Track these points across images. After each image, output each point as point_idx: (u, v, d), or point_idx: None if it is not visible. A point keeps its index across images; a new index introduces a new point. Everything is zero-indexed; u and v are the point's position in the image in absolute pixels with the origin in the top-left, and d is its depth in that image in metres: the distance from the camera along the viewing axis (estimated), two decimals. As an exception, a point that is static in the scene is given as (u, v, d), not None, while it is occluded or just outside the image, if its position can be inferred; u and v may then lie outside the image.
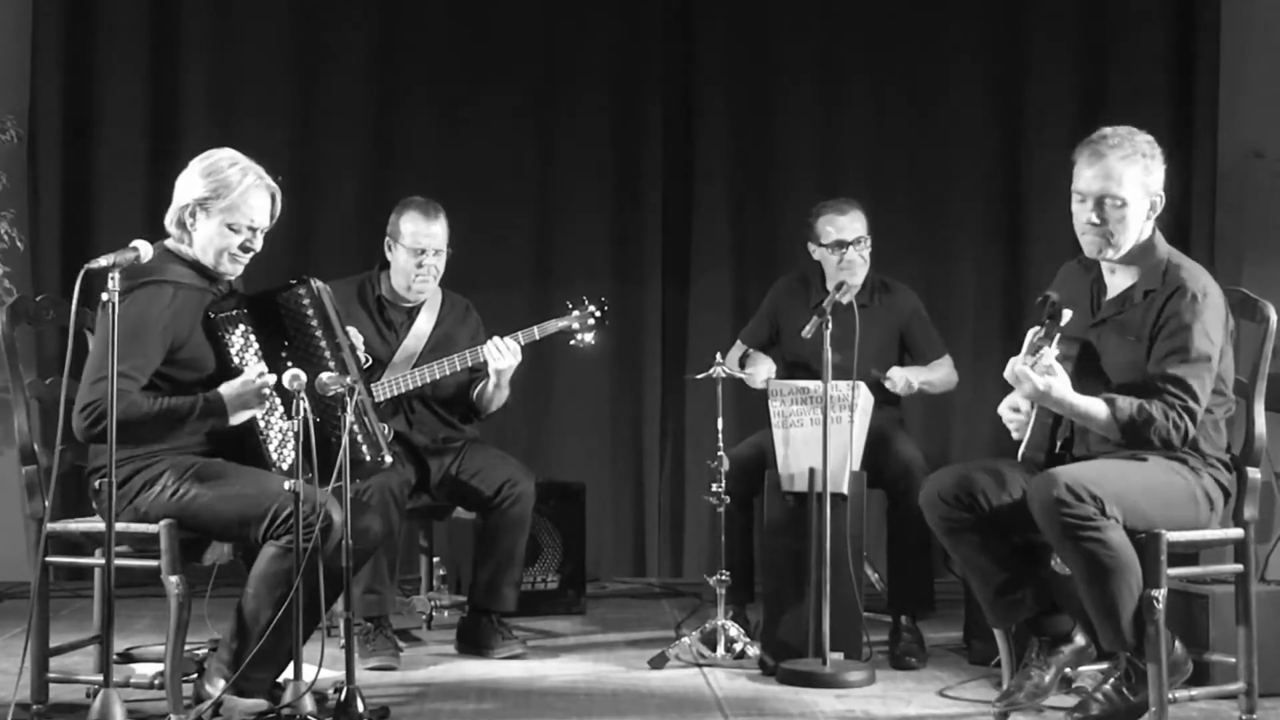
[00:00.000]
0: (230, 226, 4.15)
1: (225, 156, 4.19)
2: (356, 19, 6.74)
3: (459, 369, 5.15)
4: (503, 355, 5.08)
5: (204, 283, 4.18)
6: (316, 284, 4.23)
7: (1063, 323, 3.90)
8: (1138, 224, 4.02)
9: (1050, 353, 3.87)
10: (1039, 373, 3.86)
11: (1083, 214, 4.04)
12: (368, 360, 4.52)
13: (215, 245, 4.16)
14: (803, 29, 6.83)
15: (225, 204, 4.13)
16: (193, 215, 4.15)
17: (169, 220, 4.19)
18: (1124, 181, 3.99)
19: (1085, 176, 4.03)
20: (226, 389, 4.05)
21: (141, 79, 6.60)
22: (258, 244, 4.21)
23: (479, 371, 5.21)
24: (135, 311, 3.94)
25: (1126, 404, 3.90)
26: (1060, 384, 3.88)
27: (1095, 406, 3.91)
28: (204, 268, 4.18)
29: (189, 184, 4.17)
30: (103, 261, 3.78)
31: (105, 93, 6.60)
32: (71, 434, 3.99)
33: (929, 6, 6.83)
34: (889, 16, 6.82)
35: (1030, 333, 3.94)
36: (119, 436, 3.77)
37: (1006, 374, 3.95)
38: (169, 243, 4.19)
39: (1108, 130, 4.05)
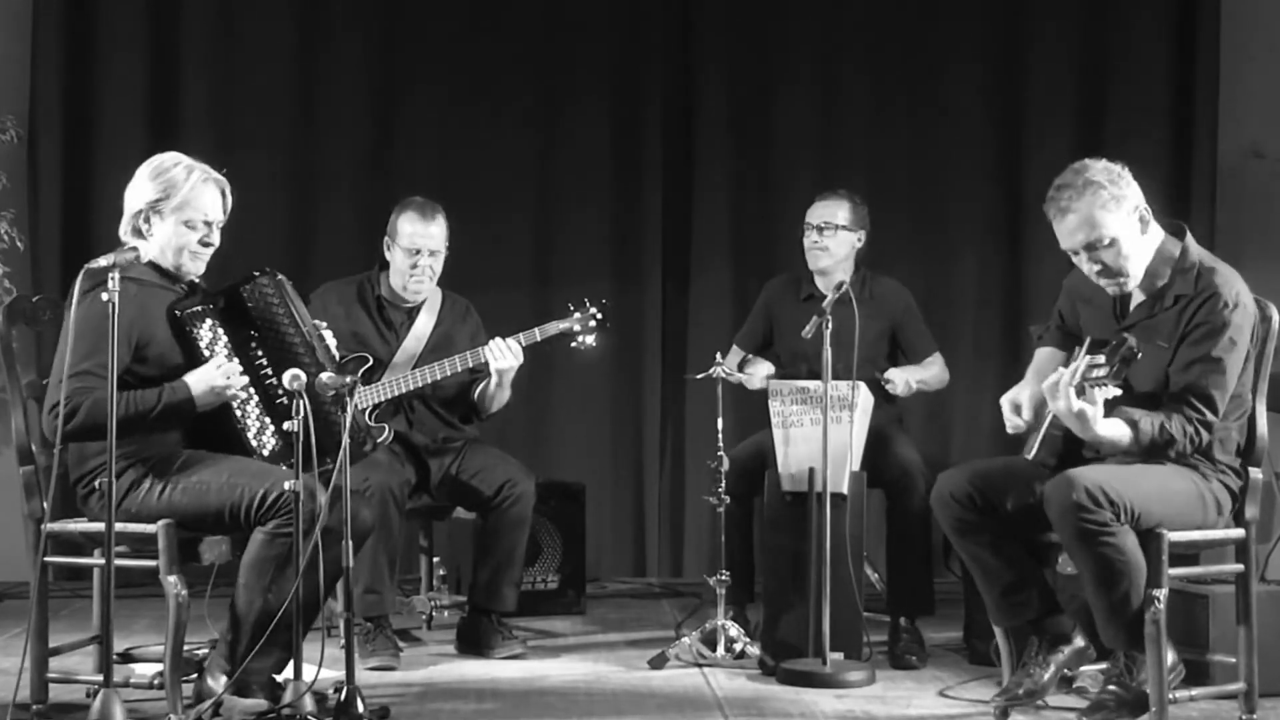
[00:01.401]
0: (186, 224, 4.17)
1: (169, 158, 4.23)
2: (356, 19, 6.74)
3: (459, 370, 5.14)
4: (504, 355, 5.08)
5: (166, 282, 4.21)
6: (279, 276, 4.28)
7: (1135, 360, 3.86)
8: (1138, 245, 3.99)
9: (1108, 393, 3.82)
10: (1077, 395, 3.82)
11: (1084, 267, 4.04)
12: (343, 355, 4.53)
13: (174, 244, 4.18)
14: (803, 31, 6.82)
15: (177, 202, 4.15)
16: (147, 220, 4.17)
17: (123, 230, 4.20)
18: (1097, 223, 3.95)
19: (1063, 236, 4.02)
20: (192, 378, 4.09)
21: (142, 79, 6.60)
22: (215, 238, 4.23)
23: (480, 372, 5.20)
24: (99, 309, 3.91)
25: (1149, 426, 3.88)
26: (1094, 412, 3.82)
27: (1118, 431, 3.87)
28: (164, 270, 4.21)
29: (138, 190, 4.19)
30: (103, 261, 3.82)
31: (105, 93, 6.61)
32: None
33: (929, 10, 6.82)
34: (889, 19, 6.81)
35: (1087, 358, 3.86)
36: (90, 436, 3.86)
37: (1045, 386, 3.90)
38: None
39: (1060, 181, 4.02)
